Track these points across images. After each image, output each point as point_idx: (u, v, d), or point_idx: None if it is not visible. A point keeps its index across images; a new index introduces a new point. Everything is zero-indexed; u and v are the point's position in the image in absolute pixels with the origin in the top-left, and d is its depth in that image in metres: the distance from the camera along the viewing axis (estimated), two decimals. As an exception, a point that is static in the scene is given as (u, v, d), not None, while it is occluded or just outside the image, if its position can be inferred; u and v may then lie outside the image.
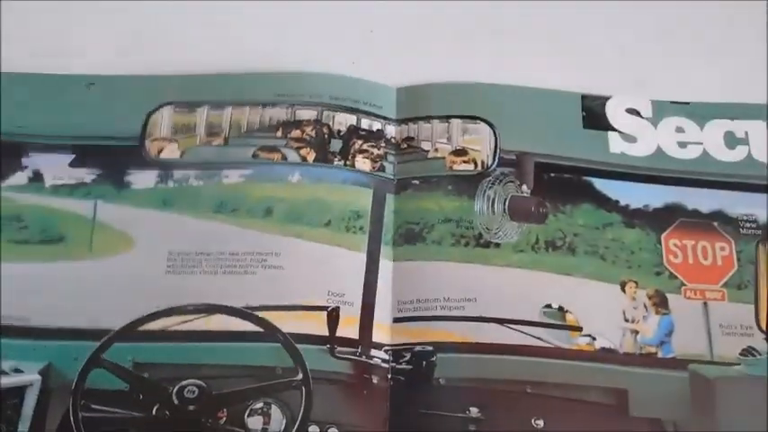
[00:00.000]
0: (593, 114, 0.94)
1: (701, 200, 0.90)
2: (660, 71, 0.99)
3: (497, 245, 0.87)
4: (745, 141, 0.93)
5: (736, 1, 1.04)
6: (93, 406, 0.76)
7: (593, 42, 1.02)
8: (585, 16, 1.04)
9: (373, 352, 0.82)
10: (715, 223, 0.89)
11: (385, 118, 0.93)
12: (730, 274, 0.87)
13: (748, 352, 0.82)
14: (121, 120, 0.92)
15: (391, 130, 0.93)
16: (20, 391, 0.77)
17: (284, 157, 0.91)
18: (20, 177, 0.89)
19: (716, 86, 0.97)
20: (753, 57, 0.99)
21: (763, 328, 0.84)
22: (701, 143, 0.93)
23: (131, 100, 0.93)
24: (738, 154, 0.92)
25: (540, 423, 0.80)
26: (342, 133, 0.92)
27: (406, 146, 0.92)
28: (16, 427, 0.75)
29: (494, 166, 0.90)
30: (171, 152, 0.91)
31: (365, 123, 0.93)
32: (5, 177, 0.89)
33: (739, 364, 0.82)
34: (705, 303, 0.85)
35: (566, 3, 1.04)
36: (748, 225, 0.89)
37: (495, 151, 0.91)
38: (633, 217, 0.89)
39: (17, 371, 0.78)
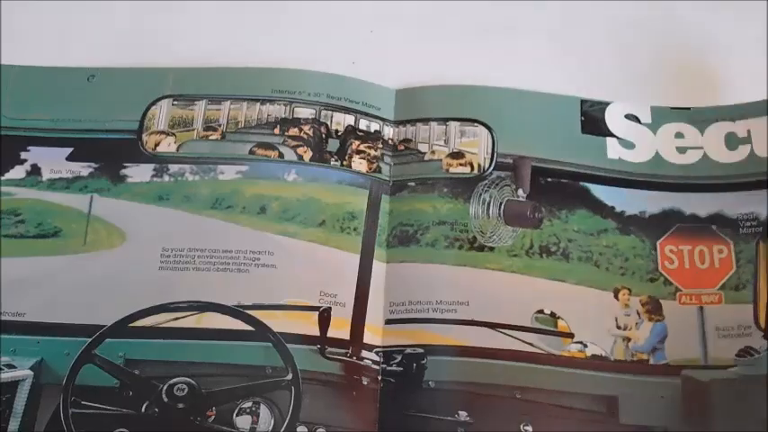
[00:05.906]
0: (592, 119, 0.93)
1: (700, 204, 0.89)
2: (660, 75, 0.99)
3: (491, 248, 0.87)
4: (747, 140, 0.91)
5: (737, 1, 1.03)
6: (84, 402, 0.77)
7: (594, 46, 1.01)
8: (586, 19, 1.03)
9: (364, 353, 0.82)
10: (713, 226, 0.88)
11: (383, 119, 0.93)
12: (728, 277, 0.86)
13: (746, 352, 0.81)
14: (120, 112, 0.92)
15: (389, 132, 0.93)
16: (12, 386, 0.77)
17: (281, 155, 0.91)
18: (18, 171, 0.89)
19: (716, 89, 0.96)
20: (753, 57, 0.98)
21: (762, 325, 0.83)
22: (701, 147, 0.92)
23: (131, 92, 0.93)
24: (740, 154, 0.91)
25: (529, 429, 0.80)
26: (339, 133, 0.92)
27: (403, 147, 0.92)
28: (7, 424, 0.76)
29: (490, 169, 0.90)
30: (167, 146, 0.91)
31: (363, 124, 0.92)
32: (4, 171, 0.89)
33: (735, 366, 0.81)
34: (701, 308, 0.85)
35: (566, 5, 1.04)
36: (748, 224, 0.87)
37: (493, 155, 0.90)
38: (629, 223, 0.88)
39: (10, 366, 0.78)
